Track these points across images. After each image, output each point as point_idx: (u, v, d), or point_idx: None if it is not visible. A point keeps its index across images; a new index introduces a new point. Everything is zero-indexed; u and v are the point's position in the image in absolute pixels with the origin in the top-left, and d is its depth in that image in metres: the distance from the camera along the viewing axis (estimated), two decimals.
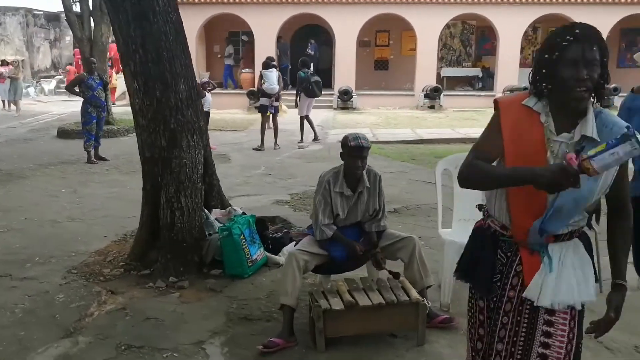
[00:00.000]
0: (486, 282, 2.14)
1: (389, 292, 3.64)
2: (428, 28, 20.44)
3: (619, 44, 22.93)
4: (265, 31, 20.26)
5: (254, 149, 11.38)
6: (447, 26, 21.49)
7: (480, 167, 2.01)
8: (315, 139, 12.35)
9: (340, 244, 3.87)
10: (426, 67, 20.73)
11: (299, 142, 12.20)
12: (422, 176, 8.70)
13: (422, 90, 19.82)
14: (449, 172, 4.41)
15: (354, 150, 3.73)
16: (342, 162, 3.88)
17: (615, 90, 19.24)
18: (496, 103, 2.08)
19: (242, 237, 4.65)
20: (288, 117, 13.51)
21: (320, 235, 3.82)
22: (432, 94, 19.10)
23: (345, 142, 3.80)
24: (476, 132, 13.73)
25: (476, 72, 23.12)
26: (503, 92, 19.95)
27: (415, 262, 3.83)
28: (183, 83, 4.74)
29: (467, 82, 23.31)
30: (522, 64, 21.65)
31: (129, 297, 4.32)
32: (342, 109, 18.90)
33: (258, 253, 4.80)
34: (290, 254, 3.77)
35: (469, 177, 2.06)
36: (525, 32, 21.35)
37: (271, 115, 11.70)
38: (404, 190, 7.84)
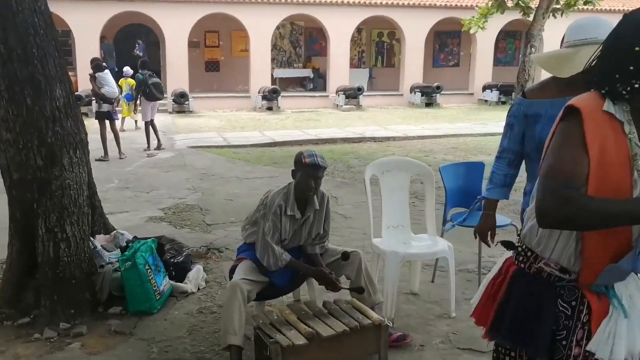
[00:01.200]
0: (547, 342, 1.74)
1: (344, 316, 3.29)
2: (260, 28, 20.25)
3: (433, 46, 24.81)
4: (87, 30, 18.51)
5: (97, 160, 10.20)
6: (277, 27, 21.49)
7: (589, 204, 1.57)
8: (159, 147, 11.47)
9: (286, 271, 3.44)
10: (260, 69, 20.55)
11: (146, 150, 11.25)
12: None
13: (259, 92, 19.59)
14: (375, 177, 4.17)
15: (310, 169, 3.33)
16: (292, 180, 3.45)
17: (438, 89, 20.72)
18: (574, 109, 1.66)
19: (147, 266, 3.97)
20: (119, 123, 12.40)
21: (275, 265, 3.34)
22: (270, 96, 18.95)
23: (299, 159, 3.37)
24: (323, 132, 13.95)
25: (307, 72, 23.49)
26: (336, 93, 20.49)
27: (362, 278, 3.53)
28: (60, 88, 3.92)
29: (299, 83, 23.58)
30: (351, 65, 22.46)
31: (12, 357, 3.44)
32: (178, 112, 17.97)
33: (164, 283, 4.15)
34: (234, 285, 3.24)
35: (576, 219, 1.58)
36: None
37: (108, 122, 10.47)
38: None
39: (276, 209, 3.39)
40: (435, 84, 20.65)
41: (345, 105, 19.72)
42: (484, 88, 22.68)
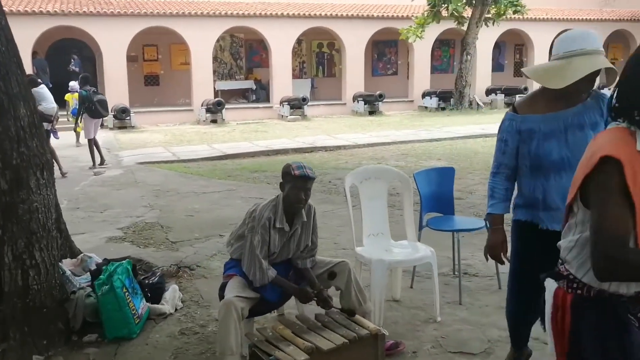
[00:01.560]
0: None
1: (339, 327, 3.24)
2: (201, 41, 20.03)
3: (371, 55, 25.21)
4: (18, 46, 17.72)
5: None
6: (217, 39, 21.30)
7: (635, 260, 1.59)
8: (102, 163, 11.12)
9: (276, 287, 3.37)
10: (202, 81, 20.31)
11: (91, 168, 10.87)
12: (253, 193, 8.34)
13: (202, 105, 19.32)
14: (355, 186, 4.16)
15: (299, 181, 3.27)
16: (280, 193, 3.38)
17: (381, 97, 21.02)
18: (611, 160, 1.61)
19: (124, 289, 3.80)
20: (55, 141, 11.91)
21: (260, 281, 3.26)
22: (215, 108, 18.72)
23: (287, 170, 3.30)
24: (273, 143, 13.84)
25: (249, 84, 23.38)
26: (280, 104, 20.45)
27: (352, 288, 3.49)
28: (24, 107, 3.71)
29: (241, 95, 23.44)
30: (293, 76, 22.50)
31: None
32: (120, 128, 17.48)
33: (142, 305, 3.98)
34: (228, 303, 3.13)
35: (627, 278, 1.64)
36: None
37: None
38: (244, 209, 7.35)
39: (265, 222, 3.31)
40: (378, 92, 20.96)
41: (290, 115, 19.72)
42: (424, 95, 23.22)
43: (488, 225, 3.10)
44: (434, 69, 24.85)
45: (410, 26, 20.67)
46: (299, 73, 24.00)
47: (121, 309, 3.74)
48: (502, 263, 3.11)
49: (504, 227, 3.00)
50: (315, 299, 3.34)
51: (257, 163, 11.25)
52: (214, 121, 18.86)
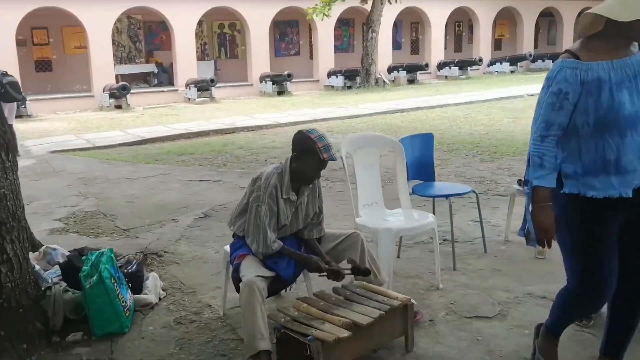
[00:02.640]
0: None
1: (367, 300, 3.09)
2: (99, 23, 18.77)
3: (274, 35, 24.87)
4: None
5: None
6: (114, 22, 20.07)
7: None
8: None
9: (285, 260, 3.14)
10: (102, 66, 19.08)
11: None
12: (190, 176, 7.91)
13: (104, 90, 18.16)
14: (349, 154, 3.99)
15: (324, 164, 3.08)
16: (286, 160, 3.14)
17: (289, 76, 20.80)
18: None
19: (112, 280, 3.41)
20: None
21: (265, 250, 3.04)
22: (120, 93, 17.65)
23: (310, 146, 3.05)
24: (191, 126, 13.20)
25: (151, 67, 22.32)
26: (187, 86, 19.71)
27: (366, 260, 3.34)
28: None
29: (142, 79, 22.34)
30: (198, 58, 21.74)
31: None
32: (16, 117, 15.98)
33: (129, 297, 3.60)
34: (251, 283, 2.87)
35: None
36: None
37: None
38: (187, 192, 6.98)
39: (272, 190, 3.07)
40: (286, 72, 20.72)
41: (198, 98, 19.04)
42: (329, 74, 23.28)
43: (532, 202, 2.53)
44: (335, 49, 24.94)
45: (316, 5, 20.55)
46: (201, 55, 23.19)
47: (111, 301, 3.35)
48: (550, 247, 2.62)
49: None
50: (325, 272, 3.13)
51: (180, 146, 10.73)
52: (118, 107, 17.80)
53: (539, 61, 28.52)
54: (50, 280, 3.63)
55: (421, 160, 4.57)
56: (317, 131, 3.12)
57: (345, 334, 2.76)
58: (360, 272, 3.24)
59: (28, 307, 3.30)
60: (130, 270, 3.90)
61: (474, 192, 4.48)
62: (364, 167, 3.99)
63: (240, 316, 3.54)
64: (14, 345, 3.18)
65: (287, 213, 3.15)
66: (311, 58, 24.73)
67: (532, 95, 17.28)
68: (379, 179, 4.11)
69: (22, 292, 3.27)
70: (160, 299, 3.88)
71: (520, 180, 4.75)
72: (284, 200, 3.12)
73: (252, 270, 2.98)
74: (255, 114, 14.98)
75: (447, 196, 4.33)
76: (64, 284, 3.57)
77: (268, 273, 3.04)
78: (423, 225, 3.84)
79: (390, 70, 24.24)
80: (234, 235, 3.33)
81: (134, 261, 4.08)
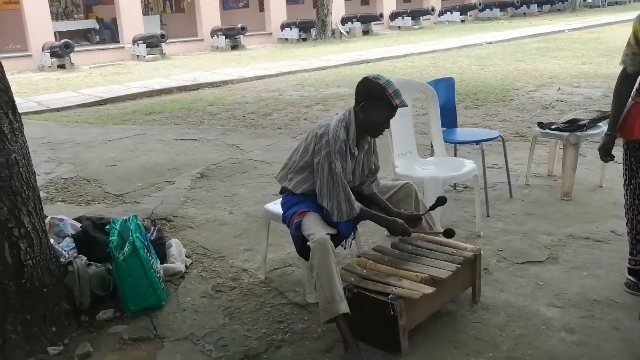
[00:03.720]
0: None
1: (435, 253, 2.89)
2: None
3: None
4: None
5: None
6: None
7: None
8: None
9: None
10: (39, 22, 17.80)
11: None
12: (168, 135, 7.47)
13: (44, 49, 17.00)
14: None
15: (394, 111, 2.79)
16: (350, 110, 2.84)
17: (243, 29, 20.06)
18: None
19: (146, 250, 3.07)
20: None
21: (348, 214, 2.78)
22: (62, 51, 16.55)
23: (379, 93, 2.73)
24: (151, 84, 12.48)
25: (92, 23, 21.09)
26: (134, 43, 18.72)
27: (420, 210, 3.12)
28: None
29: (82, 36, 21.08)
30: (144, 12, 20.65)
31: None
32: None
33: (159, 267, 3.27)
34: (323, 242, 2.59)
35: None
36: None
37: None
38: (173, 153, 6.55)
39: (341, 145, 2.77)
40: (240, 25, 19.95)
41: (148, 55, 18.12)
42: (283, 26, 22.60)
43: None
44: (286, 0, 24.19)
45: None
46: (144, 9, 22.04)
47: (146, 273, 3.02)
48: None
49: None
50: (405, 234, 2.88)
51: (145, 105, 10.14)
52: (61, 66, 16.72)
53: (487, 10, 28.66)
54: (66, 255, 3.25)
55: (443, 107, 4.32)
56: (383, 77, 2.81)
57: (429, 290, 2.55)
58: (437, 204, 3.00)
59: (52, 285, 2.93)
60: (152, 238, 3.54)
61: (500, 137, 4.29)
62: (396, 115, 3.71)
63: (280, 278, 3.33)
64: (42, 330, 2.84)
65: (351, 169, 2.88)
66: (261, 10, 23.94)
67: (490, 43, 17.31)
68: (412, 127, 3.86)
69: (44, 270, 2.90)
70: (187, 267, 3.57)
71: (541, 122, 4.61)
72: (350, 155, 2.84)
73: (320, 228, 2.70)
74: (215, 70, 14.36)
75: (477, 142, 4.13)
76: (84, 258, 3.20)
77: (333, 230, 2.77)
78: (467, 173, 3.63)
79: (344, 21, 23.75)
80: (283, 191, 3.03)
81: (153, 227, 3.72)
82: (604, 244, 3.55)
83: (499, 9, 28.75)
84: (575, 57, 12.93)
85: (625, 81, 2.79)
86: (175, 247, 3.65)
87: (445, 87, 4.37)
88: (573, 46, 15.19)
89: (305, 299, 3.08)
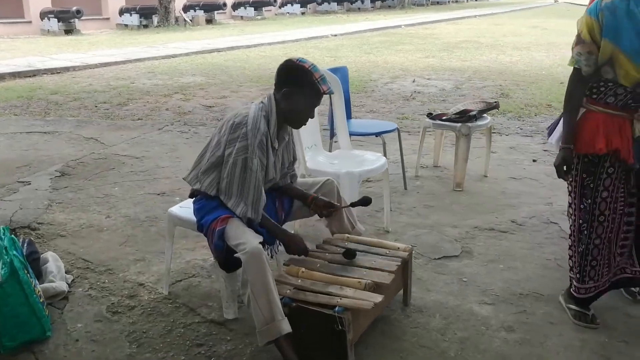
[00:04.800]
0: None
1: (368, 254, 2.68)
2: None
3: None
4: None
5: None
6: None
7: None
8: None
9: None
10: None
11: None
12: (10, 128, 6.52)
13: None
14: None
15: (320, 97, 2.49)
16: (269, 98, 2.51)
17: (79, 13, 18.47)
18: None
19: (26, 271, 2.50)
20: None
21: (254, 216, 2.45)
22: None
23: (305, 78, 2.42)
24: (18, 63, 10.81)
25: None
26: (42, 17, 16.35)
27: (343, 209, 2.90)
28: None
29: None
30: None
31: None
32: None
33: (39, 288, 2.70)
34: (257, 253, 2.25)
35: None
36: None
37: None
38: (20, 148, 5.67)
39: (262, 138, 2.44)
40: (75, 8, 18.25)
41: None
42: (121, 12, 21.17)
43: None
44: None
45: None
46: None
47: (28, 299, 2.46)
48: None
49: None
50: (303, 253, 2.60)
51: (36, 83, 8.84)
52: None
53: (325, 4, 29.64)
54: None
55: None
56: (307, 60, 2.51)
57: (378, 298, 2.33)
58: (360, 202, 2.78)
59: None
60: (25, 254, 2.93)
61: (397, 128, 4.22)
62: None
63: (187, 292, 2.95)
64: None
65: (273, 164, 2.56)
66: None
67: (335, 35, 17.64)
68: (317, 119, 3.62)
69: None
70: (69, 285, 3.01)
71: (430, 113, 4.62)
72: (272, 149, 2.51)
73: (249, 236, 2.34)
74: (52, 55, 12.97)
75: (377, 134, 4.01)
76: None
77: (260, 237, 2.44)
78: (380, 167, 3.47)
79: (185, 9, 22.83)
80: (194, 195, 2.63)
81: (21, 239, 3.09)
82: (509, 235, 3.61)
83: (336, 3, 29.75)
84: (418, 51, 13.55)
85: (578, 85, 2.46)
86: (53, 262, 3.07)
87: (340, 77, 4.18)
88: (413, 40, 15.96)
89: (223, 315, 2.72)
